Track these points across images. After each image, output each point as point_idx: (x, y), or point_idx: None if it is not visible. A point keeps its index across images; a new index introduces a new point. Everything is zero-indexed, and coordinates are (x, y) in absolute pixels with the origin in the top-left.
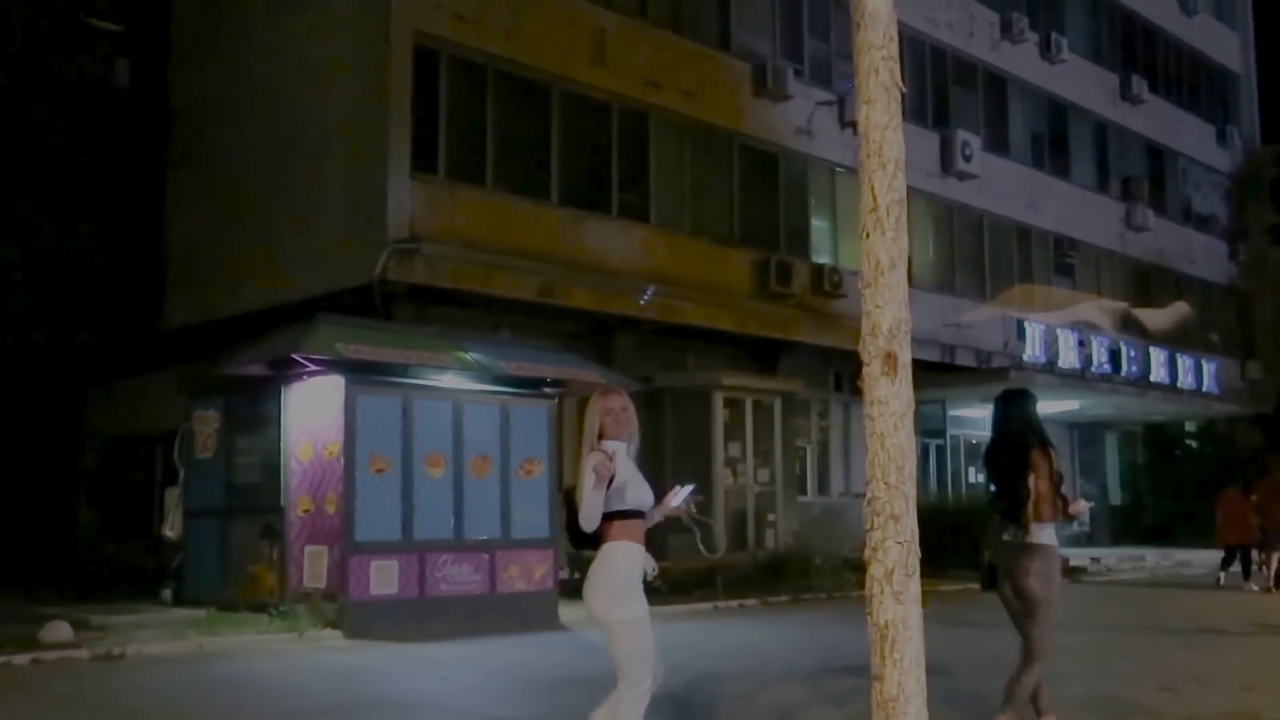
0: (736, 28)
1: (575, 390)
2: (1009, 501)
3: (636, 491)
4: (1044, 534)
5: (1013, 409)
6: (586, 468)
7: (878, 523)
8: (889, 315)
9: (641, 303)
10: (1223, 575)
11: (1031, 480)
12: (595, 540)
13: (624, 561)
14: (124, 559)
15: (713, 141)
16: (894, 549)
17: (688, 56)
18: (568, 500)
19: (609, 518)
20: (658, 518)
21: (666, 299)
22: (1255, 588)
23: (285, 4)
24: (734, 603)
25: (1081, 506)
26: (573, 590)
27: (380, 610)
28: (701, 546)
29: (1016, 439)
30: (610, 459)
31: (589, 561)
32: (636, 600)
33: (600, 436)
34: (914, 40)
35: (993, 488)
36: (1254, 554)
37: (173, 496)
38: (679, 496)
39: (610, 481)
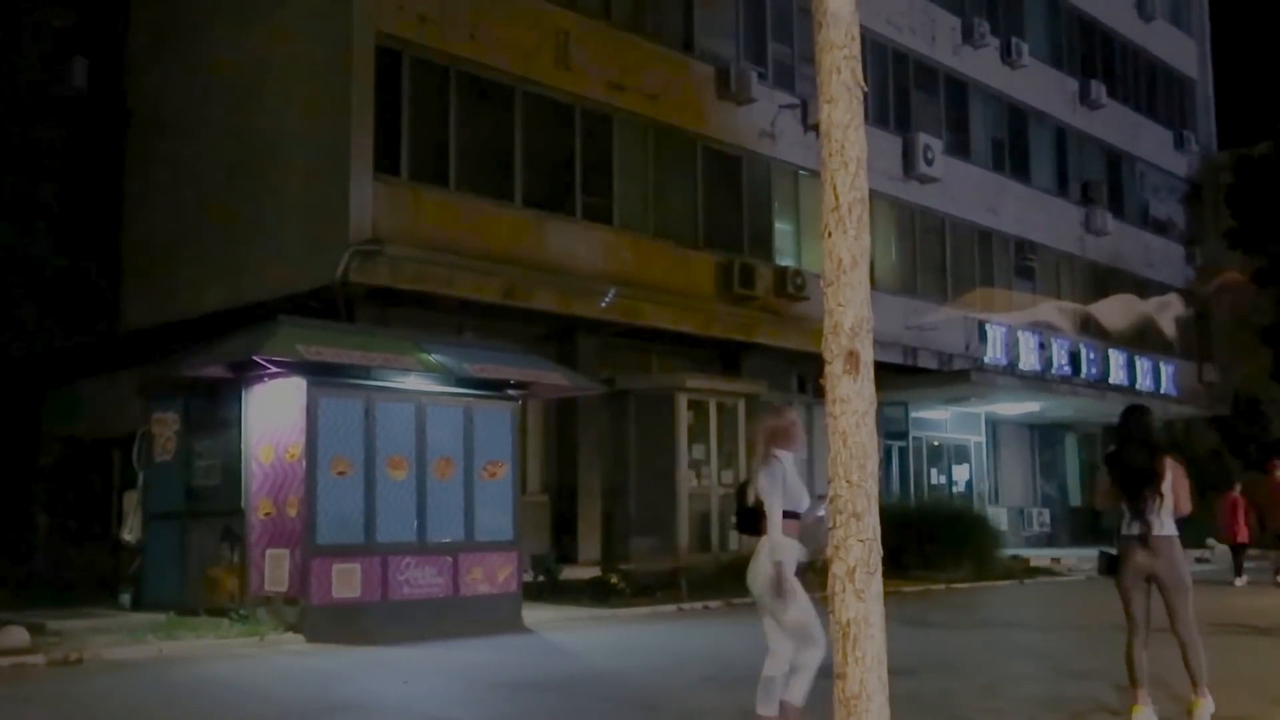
0: (700, 31)
1: (538, 392)
2: (1141, 500)
3: (797, 496)
4: (1172, 526)
5: (1141, 420)
6: (773, 476)
7: (840, 520)
8: (851, 313)
9: (602, 305)
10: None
11: (1169, 481)
12: (754, 528)
13: (786, 550)
14: (82, 563)
15: (676, 144)
16: (856, 547)
17: (651, 59)
18: (741, 495)
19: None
20: (811, 518)
21: (630, 301)
22: (1239, 583)
23: (245, 4)
24: (698, 604)
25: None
26: (536, 593)
27: (342, 614)
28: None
29: (1146, 445)
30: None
31: (548, 564)
32: (795, 580)
33: (773, 447)
34: (876, 44)
35: (1121, 485)
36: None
37: (131, 500)
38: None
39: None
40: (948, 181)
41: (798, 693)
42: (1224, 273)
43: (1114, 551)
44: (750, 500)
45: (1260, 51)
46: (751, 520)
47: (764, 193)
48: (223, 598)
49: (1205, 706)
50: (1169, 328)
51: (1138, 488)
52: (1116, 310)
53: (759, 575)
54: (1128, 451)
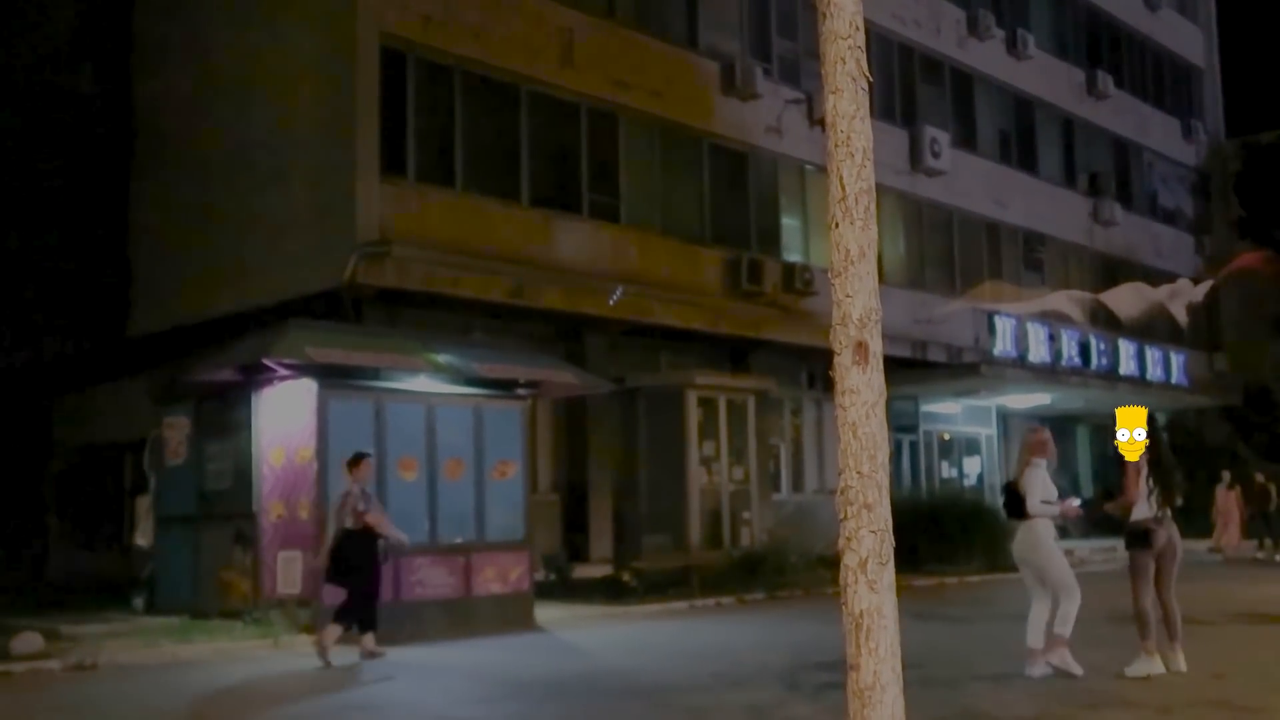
0: (704, 27)
1: (548, 391)
2: (1172, 490)
3: (1050, 491)
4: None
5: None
6: (1035, 475)
7: (851, 512)
8: (859, 304)
9: (610, 303)
10: None
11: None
12: (1021, 513)
13: (1046, 529)
14: (95, 568)
15: (682, 141)
16: (868, 538)
17: (656, 56)
18: (1011, 489)
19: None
20: (1057, 509)
21: (638, 299)
22: None
23: (250, 6)
24: (710, 601)
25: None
26: (547, 592)
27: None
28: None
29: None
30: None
31: (560, 563)
32: (1055, 549)
33: (1031, 456)
34: (881, 38)
35: (1153, 482)
36: None
37: (143, 504)
38: (1070, 505)
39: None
40: (955, 174)
41: (1066, 628)
42: (1244, 254)
43: (1143, 529)
44: (1022, 493)
45: (1267, 39)
46: (1019, 507)
47: (771, 188)
48: (236, 600)
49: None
50: (1181, 314)
51: (1168, 483)
52: (1127, 298)
53: (1026, 544)
54: (1158, 455)
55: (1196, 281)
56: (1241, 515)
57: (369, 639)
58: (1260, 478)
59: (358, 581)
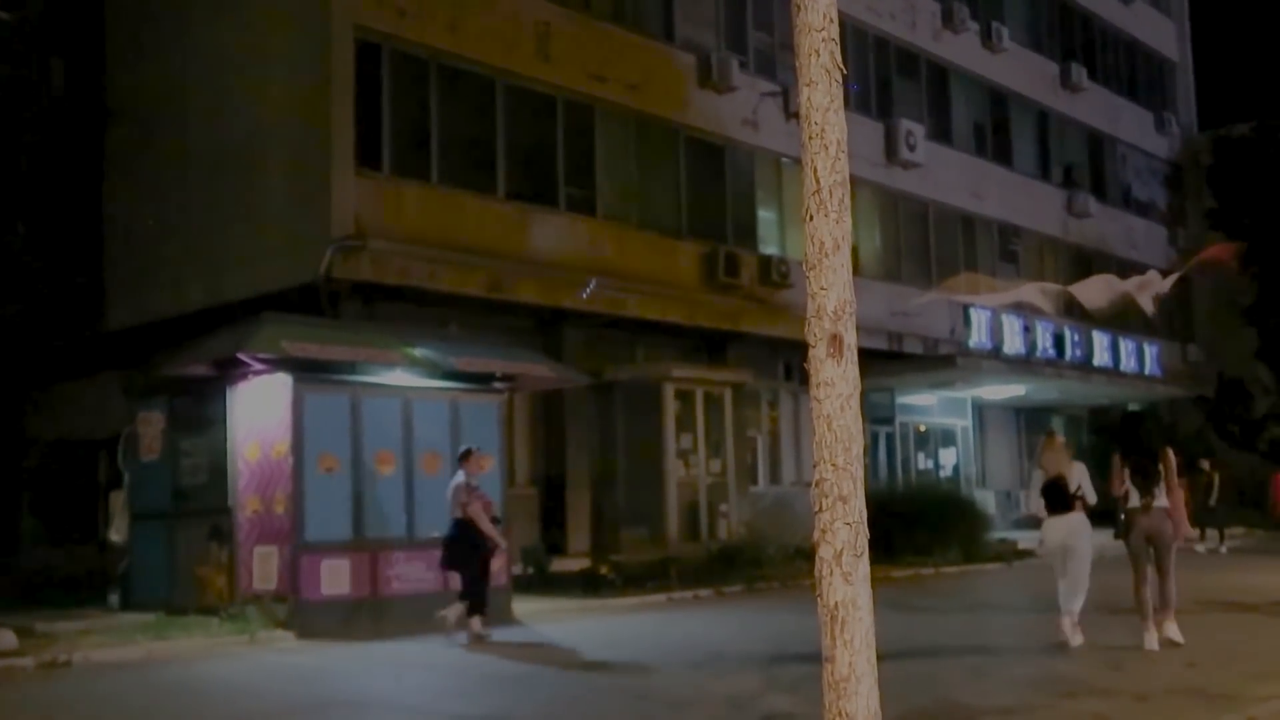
0: (680, 19)
1: (525, 384)
2: (1149, 480)
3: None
4: (1165, 500)
5: (1144, 425)
6: (1083, 471)
7: (826, 504)
8: (834, 297)
9: (583, 296)
10: None
11: (1164, 468)
12: (1069, 507)
13: (1086, 521)
14: (69, 564)
15: (659, 134)
16: (842, 530)
17: (632, 49)
18: (1058, 485)
19: (1074, 497)
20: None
21: (615, 292)
22: None
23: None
24: (688, 593)
25: None
26: (525, 585)
27: (332, 610)
28: None
29: (1154, 442)
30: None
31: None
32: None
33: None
34: (856, 30)
35: (1131, 470)
36: None
37: (118, 500)
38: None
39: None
40: (930, 167)
41: (1074, 609)
42: (1212, 246)
43: (1124, 521)
44: (1073, 489)
45: (1239, 32)
46: (1068, 502)
47: (747, 181)
48: (212, 596)
49: (1172, 628)
50: (1149, 305)
51: (1147, 471)
52: (1096, 289)
53: (1074, 532)
54: (1140, 449)
55: (1166, 273)
56: (1189, 504)
57: (476, 621)
58: (1206, 465)
59: (464, 568)
